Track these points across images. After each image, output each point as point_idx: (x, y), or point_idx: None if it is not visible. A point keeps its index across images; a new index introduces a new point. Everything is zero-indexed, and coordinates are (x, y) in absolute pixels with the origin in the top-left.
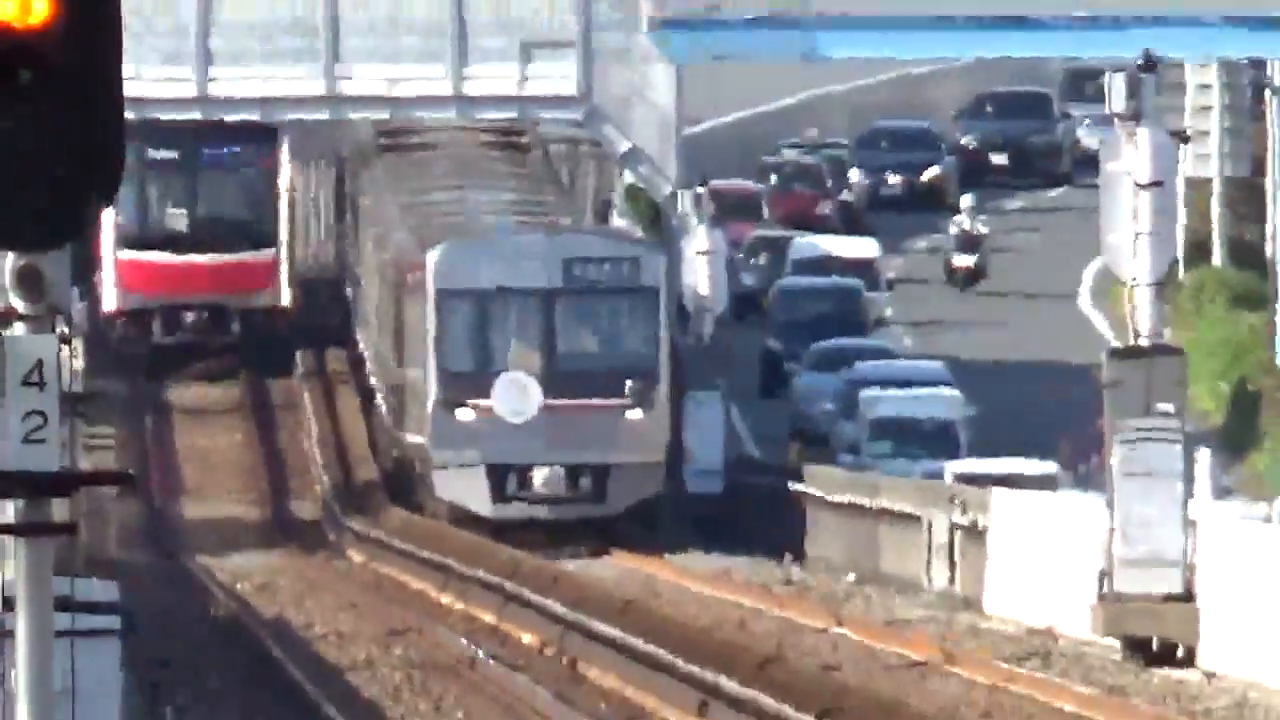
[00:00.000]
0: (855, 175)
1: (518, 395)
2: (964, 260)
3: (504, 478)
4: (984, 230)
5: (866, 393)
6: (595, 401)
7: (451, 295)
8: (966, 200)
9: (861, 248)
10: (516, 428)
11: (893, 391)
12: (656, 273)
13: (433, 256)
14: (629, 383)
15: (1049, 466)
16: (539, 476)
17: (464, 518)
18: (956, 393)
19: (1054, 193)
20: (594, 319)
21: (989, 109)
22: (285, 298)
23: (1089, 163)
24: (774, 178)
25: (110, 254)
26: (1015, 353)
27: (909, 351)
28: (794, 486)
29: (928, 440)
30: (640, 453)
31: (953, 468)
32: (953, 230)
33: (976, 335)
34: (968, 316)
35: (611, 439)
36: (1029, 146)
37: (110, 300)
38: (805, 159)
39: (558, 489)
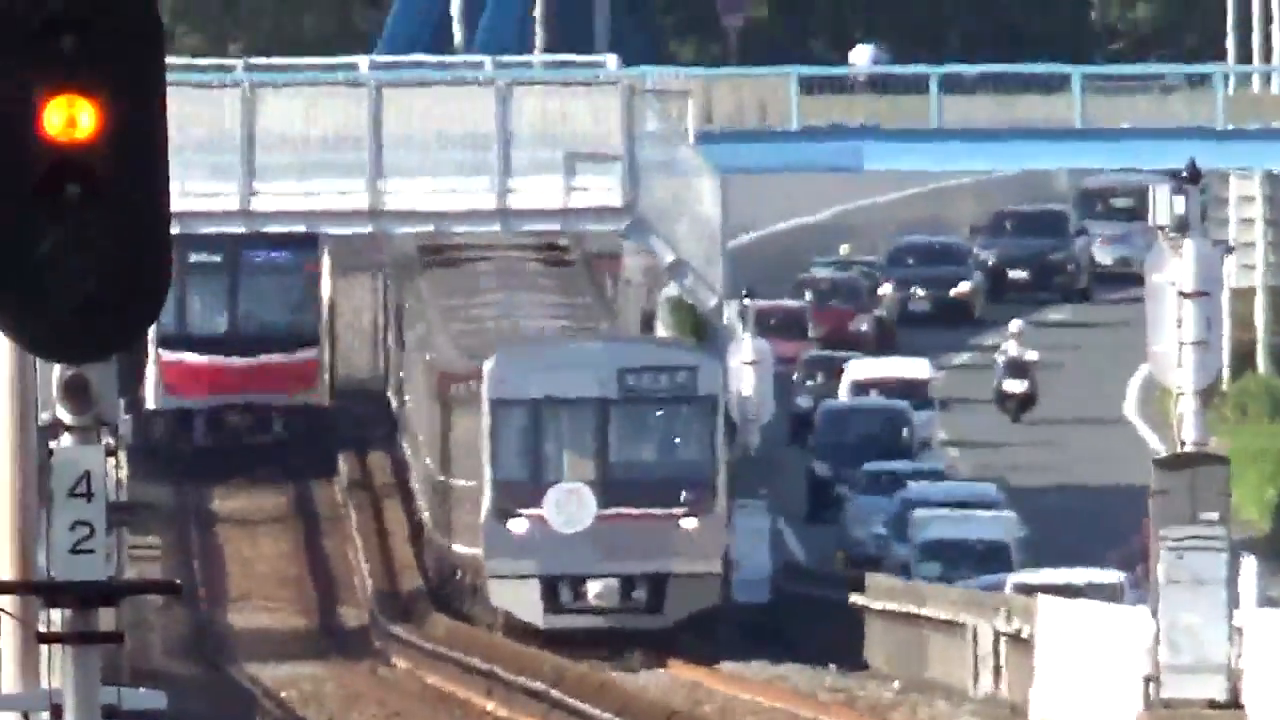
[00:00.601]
0: (886, 290)
1: (572, 505)
2: (1015, 386)
3: (557, 588)
4: (1034, 357)
5: (918, 514)
6: (651, 511)
7: (506, 405)
8: (1015, 325)
9: (915, 368)
10: (571, 538)
11: (945, 512)
12: (714, 381)
13: (487, 366)
14: (684, 492)
15: (1114, 576)
16: (593, 589)
17: (516, 627)
18: (1010, 514)
19: (1080, 307)
20: (649, 428)
21: (1008, 226)
22: (327, 397)
23: (1104, 278)
24: (809, 294)
25: (153, 355)
26: (1063, 470)
27: (957, 471)
28: (841, 595)
29: (981, 561)
30: (697, 562)
31: (1014, 578)
32: (1000, 357)
33: (1023, 453)
34: (1014, 434)
35: (667, 548)
36: (1048, 263)
37: (153, 401)
38: (839, 275)
39: (612, 601)
